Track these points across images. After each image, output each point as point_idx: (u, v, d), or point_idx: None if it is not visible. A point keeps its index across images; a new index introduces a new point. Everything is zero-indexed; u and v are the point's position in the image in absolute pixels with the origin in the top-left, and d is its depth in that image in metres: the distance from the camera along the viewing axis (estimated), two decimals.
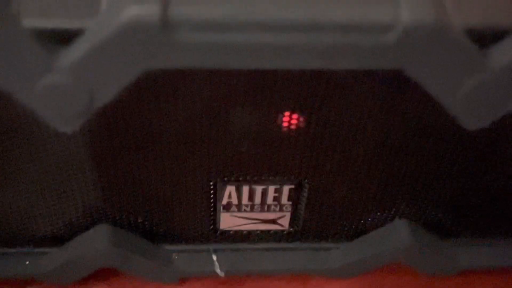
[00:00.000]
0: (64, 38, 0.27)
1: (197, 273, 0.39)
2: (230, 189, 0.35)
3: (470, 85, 0.28)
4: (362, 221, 0.38)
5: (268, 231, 0.38)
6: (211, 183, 0.35)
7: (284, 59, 0.27)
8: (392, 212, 0.38)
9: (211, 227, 0.38)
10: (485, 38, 0.27)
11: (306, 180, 0.35)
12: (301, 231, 0.38)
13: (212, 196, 0.36)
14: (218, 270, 0.39)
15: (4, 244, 0.38)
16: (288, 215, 0.37)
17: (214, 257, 0.39)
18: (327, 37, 0.26)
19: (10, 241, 0.38)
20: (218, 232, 0.38)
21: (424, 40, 0.26)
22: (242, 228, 0.38)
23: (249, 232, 0.38)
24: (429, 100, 0.29)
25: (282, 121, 0.32)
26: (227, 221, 0.37)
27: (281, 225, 0.38)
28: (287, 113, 0.31)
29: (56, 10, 0.27)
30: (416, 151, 0.34)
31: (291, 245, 0.39)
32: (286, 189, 0.36)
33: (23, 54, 0.26)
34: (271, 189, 0.36)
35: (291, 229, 0.38)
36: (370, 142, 0.33)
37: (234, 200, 0.36)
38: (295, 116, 0.32)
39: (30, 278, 0.39)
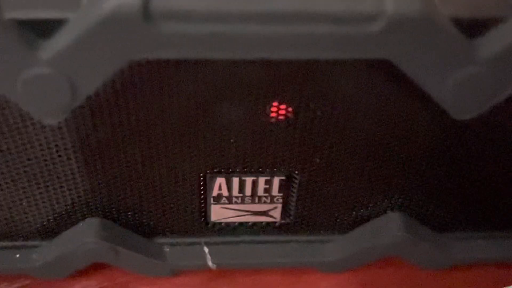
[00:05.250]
0: (46, 29, 0.26)
1: (189, 266, 0.39)
2: (220, 180, 0.35)
3: (458, 76, 0.27)
4: (354, 214, 0.38)
5: (260, 223, 0.38)
6: (201, 175, 0.35)
7: (269, 49, 0.27)
8: (385, 205, 0.37)
9: (202, 219, 0.38)
10: (472, 28, 0.27)
11: (296, 172, 0.35)
12: (293, 223, 0.38)
13: (202, 188, 0.36)
14: (210, 263, 0.38)
15: None
16: (279, 207, 0.37)
17: (206, 250, 0.39)
18: (312, 27, 0.26)
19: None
20: (209, 225, 0.38)
21: (410, 29, 0.26)
22: (233, 220, 0.38)
23: (241, 224, 0.38)
24: (418, 91, 0.28)
25: (270, 112, 0.31)
26: (218, 213, 0.37)
27: (273, 217, 0.38)
28: (275, 104, 0.31)
29: (38, 1, 0.27)
30: (407, 142, 0.33)
31: (283, 237, 0.39)
32: (276, 180, 0.35)
33: (4, 46, 0.26)
34: (261, 180, 0.35)
35: (283, 221, 0.38)
36: (360, 133, 0.33)
37: (225, 192, 0.36)
38: (283, 107, 0.31)
39: (20, 272, 0.38)
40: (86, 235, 0.36)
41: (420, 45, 0.26)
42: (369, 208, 0.37)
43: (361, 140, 0.33)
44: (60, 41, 0.26)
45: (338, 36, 0.26)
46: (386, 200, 0.37)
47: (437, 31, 0.26)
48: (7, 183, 0.34)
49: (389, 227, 0.38)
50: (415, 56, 0.27)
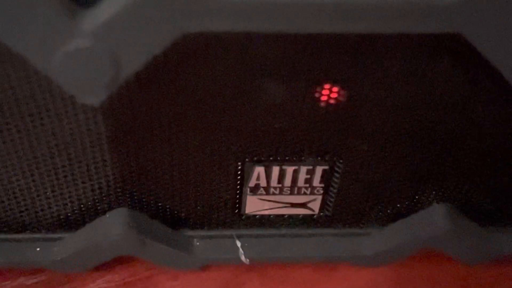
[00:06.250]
0: None
1: (219, 260, 0.37)
2: (259, 170, 0.33)
3: None
4: (398, 206, 0.36)
5: (297, 215, 0.36)
6: (239, 164, 0.33)
7: (327, 22, 0.24)
8: (430, 196, 0.35)
9: (236, 211, 0.36)
10: None
11: (340, 161, 0.33)
12: (332, 216, 0.36)
13: (239, 177, 0.33)
14: (242, 257, 0.36)
15: (12, 229, 0.35)
16: (319, 199, 0.35)
17: (238, 244, 0.36)
18: None
19: (18, 225, 0.35)
20: (243, 217, 0.36)
21: (487, 1, 0.24)
22: (269, 212, 0.36)
23: (277, 217, 0.36)
24: (488, 69, 0.26)
25: (321, 95, 0.29)
26: (254, 205, 0.35)
27: (311, 210, 0.36)
28: (326, 86, 0.29)
29: None
30: (465, 128, 0.31)
31: (320, 231, 0.37)
32: (319, 170, 0.33)
33: (43, 16, 0.24)
34: (303, 170, 0.33)
35: (321, 213, 0.36)
36: (412, 120, 0.31)
37: (263, 182, 0.34)
38: (335, 89, 0.29)
39: (40, 266, 0.36)
40: (113, 226, 0.34)
41: (495, 18, 0.24)
42: (414, 200, 0.35)
43: (415, 125, 0.31)
44: (103, 11, 0.24)
45: (408, 8, 0.24)
46: (431, 192, 0.35)
47: None
48: (31, 169, 0.32)
49: (434, 219, 0.36)
50: (489, 30, 0.25)
